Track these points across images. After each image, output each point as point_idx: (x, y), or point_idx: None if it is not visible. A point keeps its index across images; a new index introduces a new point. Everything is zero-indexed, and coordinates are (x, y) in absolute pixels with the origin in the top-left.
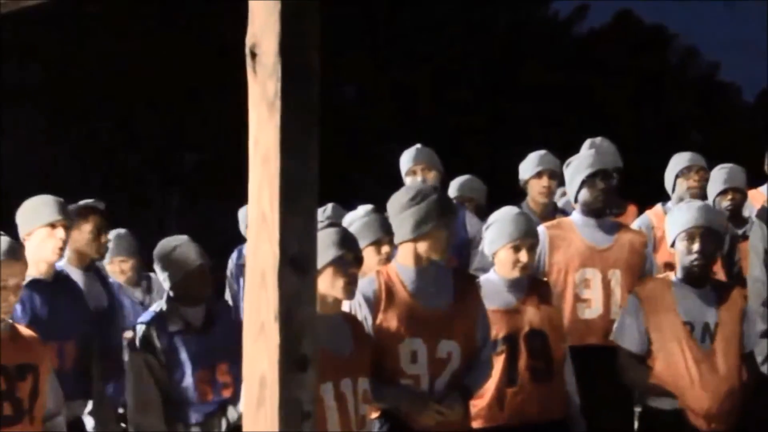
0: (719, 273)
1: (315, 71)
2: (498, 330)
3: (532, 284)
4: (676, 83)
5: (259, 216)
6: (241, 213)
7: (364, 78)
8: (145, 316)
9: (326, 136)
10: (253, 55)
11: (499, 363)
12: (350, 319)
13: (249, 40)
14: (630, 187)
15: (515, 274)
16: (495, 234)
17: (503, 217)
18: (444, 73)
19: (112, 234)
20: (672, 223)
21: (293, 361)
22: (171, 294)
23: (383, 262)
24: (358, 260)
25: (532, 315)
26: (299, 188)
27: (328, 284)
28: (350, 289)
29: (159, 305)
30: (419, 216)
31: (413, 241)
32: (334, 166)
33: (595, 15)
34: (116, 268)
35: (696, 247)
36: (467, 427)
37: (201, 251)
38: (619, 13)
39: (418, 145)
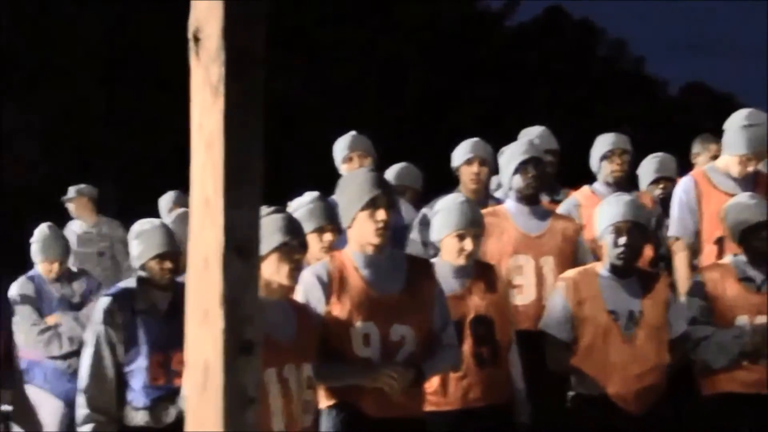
0: (647, 249)
1: (260, 56)
2: None
3: (479, 269)
4: (604, 77)
5: (202, 201)
6: (162, 201)
7: (309, 69)
8: (113, 290)
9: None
10: (196, 40)
11: None
12: (295, 305)
13: (192, 25)
14: (561, 175)
15: (460, 261)
16: (441, 222)
17: (449, 206)
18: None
19: (39, 234)
20: (600, 216)
21: (237, 347)
22: (141, 274)
23: (326, 250)
24: (303, 246)
25: (477, 301)
26: (243, 173)
27: (272, 270)
28: (295, 275)
29: (129, 282)
30: (343, 203)
31: (349, 228)
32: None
33: (525, 9)
34: (45, 269)
35: (623, 240)
36: (419, 411)
37: (170, 237)
38: (549, 8)
39: (353, 132)
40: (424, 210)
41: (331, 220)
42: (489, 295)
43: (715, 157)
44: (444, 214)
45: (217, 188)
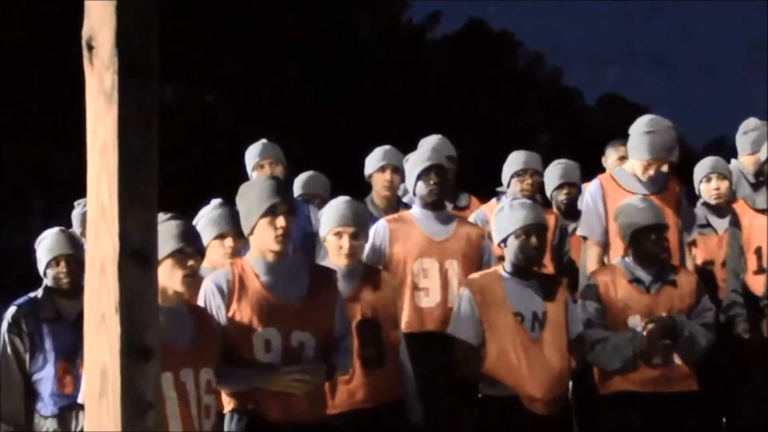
0: (548, 265)
1: (153, 63)
2: None
3: (366, 273)
4: (524, 87)
5: (98, 208)
6: (75, 213)
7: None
8: (20, 300)
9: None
10: (90, 48)
11: None
12: (194, 310)
13: (85, 33)
14: (478, 186)
15: (342, 261)
16: (323, 222)
17: (330, 205)
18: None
19: None
20: (505, 221)
21: (135, 352)
22: (46, 283)
23: (229, 256)
24: (199, 253)
25: (364, 304)
26: (138, 180)
27: (167, 276)
28: (188, 282)
29: (36, 292)
30: (244, 210)
31: (250, 235)
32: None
33: (447, 22)
34: None
35: (533, 242)
36: (323, 415)
37: (73, 242)
38: (470, 21)
39: (264, 140)
40: None
41: (233, 226)
42: (376, 298)
43: (623, 157)
44: (325, 213)
45: (113, 195)
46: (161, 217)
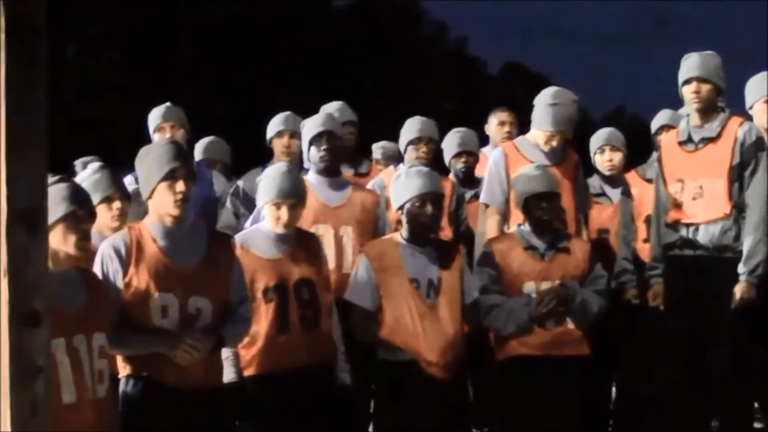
0: (446, 230)
1: (41, 24)
2: (268, 279)
3: (301, 236)
4: (426, 57)
5: None
6: None
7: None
8: None
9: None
10: None
11: (270, 311)
12: (86, 274)
13: None
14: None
15: (278, 230)
16: (261, 190)
17: (269, 174)
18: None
19: None
20: (402, 189)
21: (24, 317)
22: None
23: (116, 219)
24: (91, 216)
25: (300, 265)
26: (26, 142)
27: (59, 240)
28: (82, 245)
29: None
30: (143, 174)
31: (149, 200)
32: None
33: None
34: None
35: (429, 210)
36: (218, 381)
37: None
38: None
39: (168, 103)
40: (239, 182)
41: (118, 189)
42: (311, 260)
43: (502, 123)
44: (265, 182)
45: None
46: (49, 179)
